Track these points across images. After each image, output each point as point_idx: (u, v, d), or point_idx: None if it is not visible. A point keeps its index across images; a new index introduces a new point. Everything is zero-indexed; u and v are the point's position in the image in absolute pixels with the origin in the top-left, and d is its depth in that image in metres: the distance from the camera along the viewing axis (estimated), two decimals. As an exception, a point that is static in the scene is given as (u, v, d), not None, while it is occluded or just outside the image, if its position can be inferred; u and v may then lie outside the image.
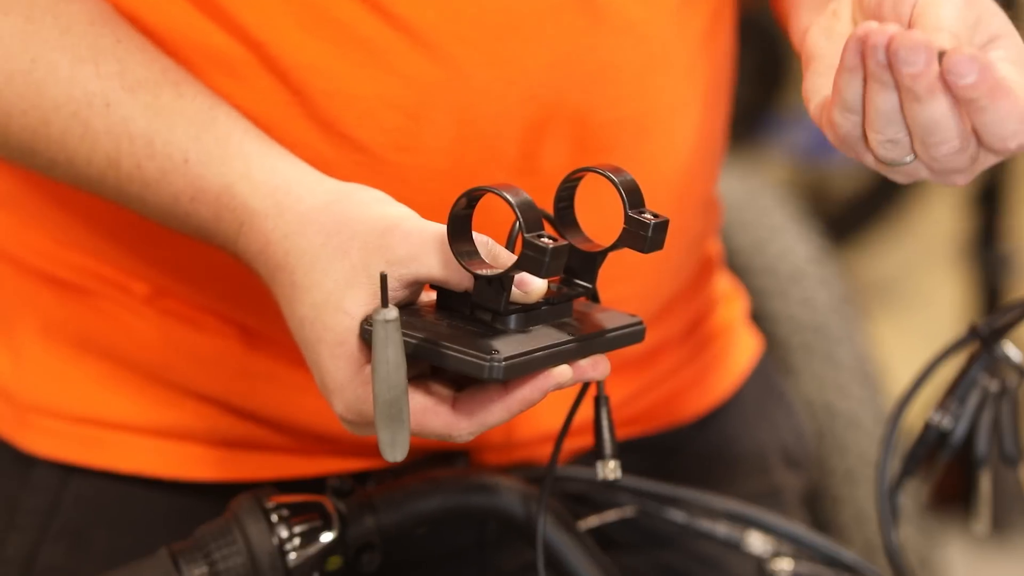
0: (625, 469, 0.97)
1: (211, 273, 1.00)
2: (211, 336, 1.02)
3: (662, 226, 0.87)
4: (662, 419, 1.12)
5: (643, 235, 0.87)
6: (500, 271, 0.86)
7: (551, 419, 1.05)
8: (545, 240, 0.84)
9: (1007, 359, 1.01)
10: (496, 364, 0.84)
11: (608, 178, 0.88)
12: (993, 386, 1.01)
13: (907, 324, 3.22)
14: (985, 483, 1.03)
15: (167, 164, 0.93)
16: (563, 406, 0.98)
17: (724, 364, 1.15)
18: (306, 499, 0.96)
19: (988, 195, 2.30)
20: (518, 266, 0.85)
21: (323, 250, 0.88)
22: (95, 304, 1.03)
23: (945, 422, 1.01)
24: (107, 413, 1.03)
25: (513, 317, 0.87)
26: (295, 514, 0.95)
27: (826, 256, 1.87)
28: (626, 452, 1.09)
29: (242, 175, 0.92)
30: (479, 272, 0.86)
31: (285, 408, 1.02)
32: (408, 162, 0.96)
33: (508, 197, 0.85)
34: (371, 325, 0.85)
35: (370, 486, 1.01)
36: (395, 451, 0.84)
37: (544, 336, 0.87)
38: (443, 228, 0.87)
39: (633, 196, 0.88)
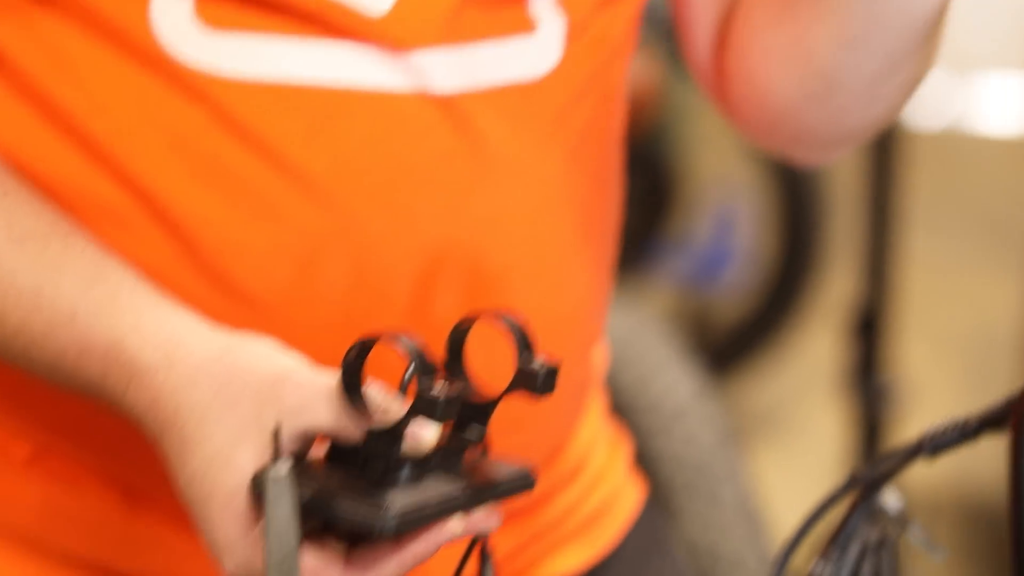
0: None
1: (95, 429, 1.00)
2: (93, 500, 1.02)
3: (554, 371, 0.88)
4: (545, 574, 1.11)
5: (535, 380, 0.88)
6: (391, 423, 0.86)
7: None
8: (437, 389, 0.85)
9: (885, 510, 1.02)
10: (388, 518, 0.84)
11: (501, 323, 0.89)
12: (873, 536, 1.02)
13: (788, 454, 3.26)
14: (866, 634, 1.04)
15: (54, 318, 0.92)
16: (450, 561, 0.97)
17: (608, 514, 1.16)
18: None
19: (867, 325, 2.34)
20: (410, 415, 0.86)
21: (214, 402, 0.88)
22: (-27, 470, 1.02)
23: (827, 572, 1.01)
24: (-15, 580, 1.02)
25: (406, 468, 0.87)
26: None
27: (709, 392, 1.90)
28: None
29: (132, 328, 0.91)
30: (371, 425, 0.86)
31: (170, 571, 1.01)
32: (300, 314, 0.96)
33: (400, 344, 0.86)
34: (262, 481, 0.85)
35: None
36: None
37: (437, 487, 0.88)
38: (334, 379, 0.87)
39: (524, 341, 0.89)
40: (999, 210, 4.72)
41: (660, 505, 1.43)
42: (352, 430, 0.87)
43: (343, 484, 0.86)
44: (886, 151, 2.30)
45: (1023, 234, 4.26)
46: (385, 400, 0.88)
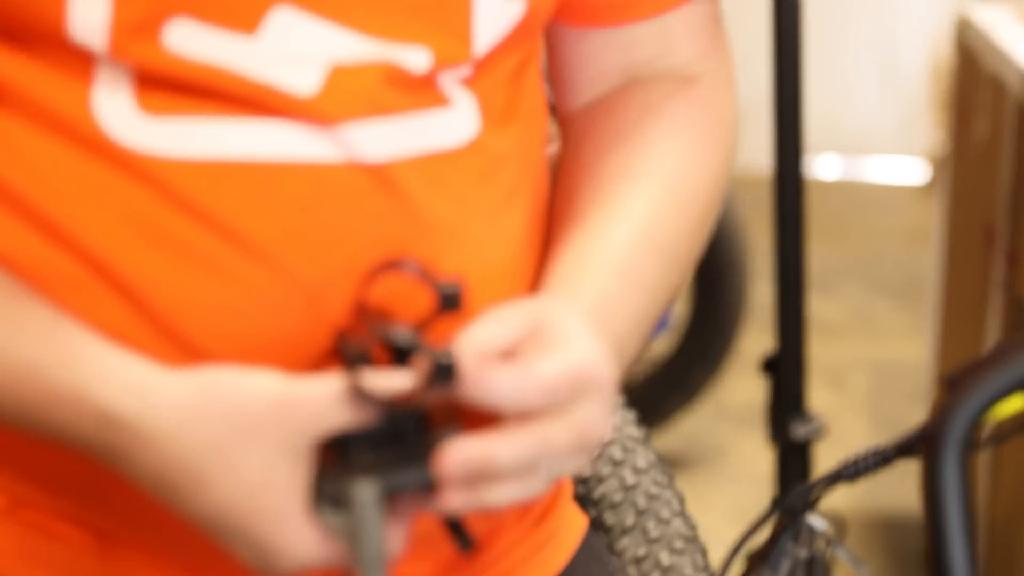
0: None
1: (67, 478, 1.02)
2: (67, 545, 1.04)
3: (458, 288, 0.95)
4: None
5: (450, 295, 0.95)
6: (419, 402, 0.93)
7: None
8: (444, 353, 0.92)
9: (812, 529, 1.07)
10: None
11: (407, 271, 0.97)
12: (802, 554, 1.07)
13: (712, 492, 3.26)
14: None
15: (14, 374, 0.95)
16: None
17: (556, 539, 1.19)
18: None
19: (780, 364, 2.34)
20: (435, 386, 0.92)
21: (226, 439, 0.92)
22: (-51, 521, 1.05)
23: (761, 589, 1.07)
24: (-39, 628, 1.04)
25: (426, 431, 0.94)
26: None
27: (638, 426, 1.89)
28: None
29: (95, 376, 0.94)
30: (393, 407, 0.93)
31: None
32: (255, 365, 0.98)
33: (395, 333, 0.94)
34: (336, 502, 0.91)
35: None
36: None
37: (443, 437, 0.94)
38: (325, 381, 0.93)
39: (429, 276, 0.97)
40: (895, 255, 4.76)
41: (605, 535, 1.45)
42: (370, 417, 0.93)
43: (395, 465, 0.92)
44: (793, 206, 2.31)
45: (918, 278, 4.31)
46: (389, 379, 0.93)
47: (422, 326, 0.97)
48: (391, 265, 0.99)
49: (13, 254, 0.98)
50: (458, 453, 0.92)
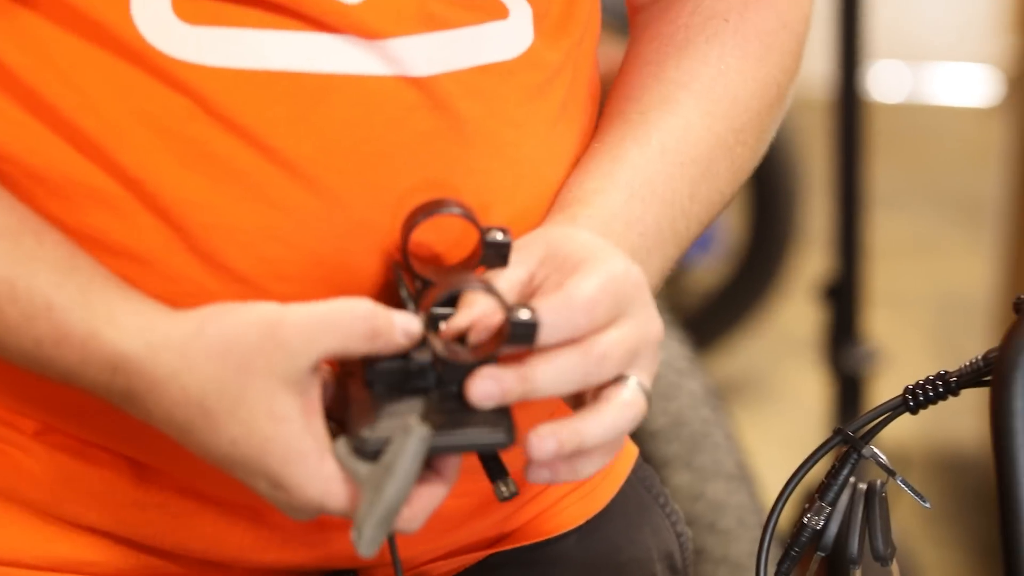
0: None
1: (96, 411, 1.01)
2: (100, 468, 1.03)
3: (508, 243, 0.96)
4: (543, 529, 1.13)
5: (501, 249, 0.96)
6: (489, 351, 0.92)
7: (435, 540, 1.08)
8: (522, 312, 0.91)
9: (875, 459, 1.04)
10: (512, 433, 0.91)
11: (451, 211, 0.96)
12: (862, 486, 1.04)
13: (770, 420, 3.27)
14: (859, 582, 1.06)
15: (30, 310, 0.94)
16: (451, 529, 0.99)
17: (604, 471, 1.16)
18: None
19: (837, 293, 2.33)
20: (512, 341, 0.92)
21: (224, 373, 0.91)
22: (-17, 442, 1.04)
23: (816, 522, 1.04)
24: (-2, 549, 1.03)
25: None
26: None
27: (691, 356, 1.89)
28: (511, 565, 1.11)
29: (106, 320, 0.93)
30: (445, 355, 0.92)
31: (177, 537, 1.03)
32: (288, 291, 0.98)
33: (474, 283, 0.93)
34: (366, 452, 0.90)
35: (263, 608, 1.02)
36: (375, 547, 0.90)
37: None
38: (320, 304, 0.92)
39: (474, 219, 0.97)
40: (962, 180, 4.74)
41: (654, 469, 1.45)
42: (376, 345, 0.91)
43: (434, 413, 0.91)
44: (852, 123, 2.29)
45: (989, 203, 4.28)
46: (411, 321, 0.93)
47: (474, 267, 0.96)
48: (436, 206, 0.97)
49: (52, 173, 0.97)
50: (550, 437, 0.92)
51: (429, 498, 0.92)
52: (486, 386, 0.92)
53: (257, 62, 0.97)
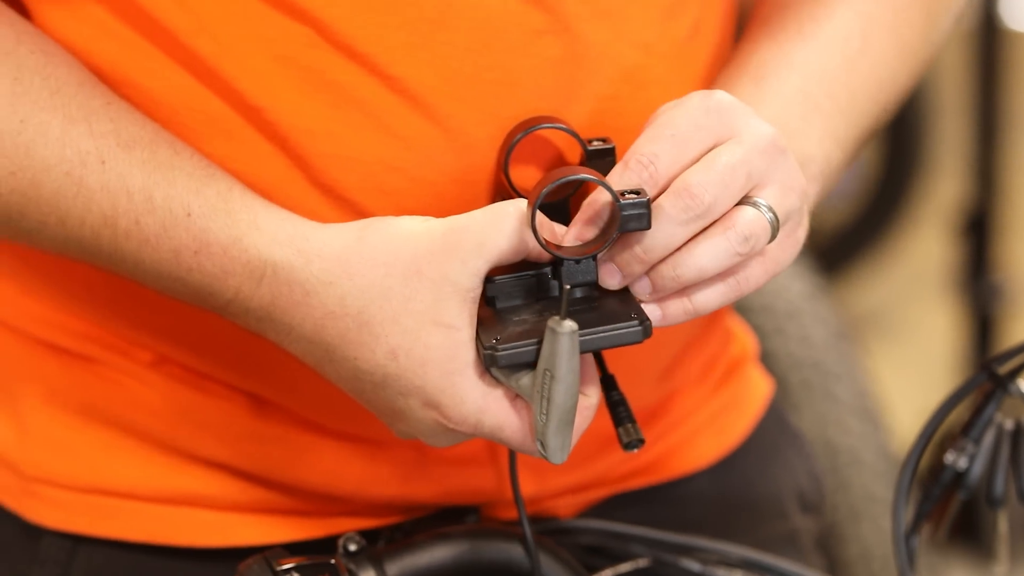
0: (640, 519, 0.97)
1: (213, 342, 1.00)
2: (217, 400, 1.02)
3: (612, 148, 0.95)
4: (677, 466, 1.11)
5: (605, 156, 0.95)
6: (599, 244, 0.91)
7: (561, 475, 1.06)
8: (635, 201, 0.90)
9: (1021, 397, 1.00)
10: (648, 326, 0.90)
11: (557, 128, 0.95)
12: (1008, 424, 1.01)
13: (900, 355, 3.23)
14: (1003, 523, 1.04)
15: (168, 219, 0.92)
16: (580, 464, 0.97)
17: (739, 405, 1.15)
18: (316, 560, 0.96)
19: (977, 224, 2.30)
20: (624, 228, 0.90)
21: (389, 280, 0.90)
22: (99, 371, 1.03)
23: (960, 462, 1.01)
24: (114, 481, 1.02)
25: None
26: (305, 575, 0.94)
27: (820, 292, 1.88)
28: (641, 502, 1.09)
29: (250, 226, 0.92)
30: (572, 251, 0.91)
31: (295, 470, 1.02)
32: None
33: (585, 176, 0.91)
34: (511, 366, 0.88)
35: (381, 544, 1.01)
36: (565, 454, 0.89)
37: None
38: (481, 210, 0.90)
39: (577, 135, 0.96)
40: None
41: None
42: (535, 246, 0.90)
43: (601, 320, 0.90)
44: (990, 51, 2.25)
45: None
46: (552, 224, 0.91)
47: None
48: (535, 122, 0.95)
49: (169, 98, 0.95)
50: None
51: (580, 417, 0.90)
52: (623, 259, 0.90)
53: None
